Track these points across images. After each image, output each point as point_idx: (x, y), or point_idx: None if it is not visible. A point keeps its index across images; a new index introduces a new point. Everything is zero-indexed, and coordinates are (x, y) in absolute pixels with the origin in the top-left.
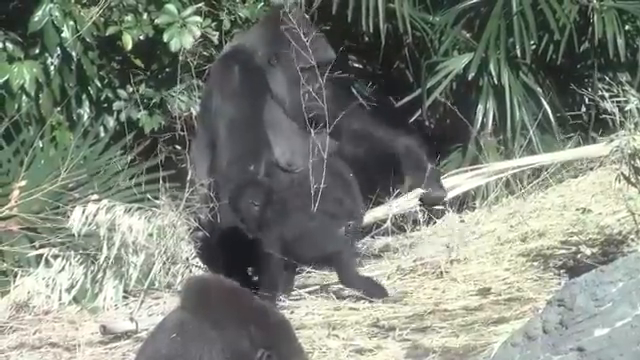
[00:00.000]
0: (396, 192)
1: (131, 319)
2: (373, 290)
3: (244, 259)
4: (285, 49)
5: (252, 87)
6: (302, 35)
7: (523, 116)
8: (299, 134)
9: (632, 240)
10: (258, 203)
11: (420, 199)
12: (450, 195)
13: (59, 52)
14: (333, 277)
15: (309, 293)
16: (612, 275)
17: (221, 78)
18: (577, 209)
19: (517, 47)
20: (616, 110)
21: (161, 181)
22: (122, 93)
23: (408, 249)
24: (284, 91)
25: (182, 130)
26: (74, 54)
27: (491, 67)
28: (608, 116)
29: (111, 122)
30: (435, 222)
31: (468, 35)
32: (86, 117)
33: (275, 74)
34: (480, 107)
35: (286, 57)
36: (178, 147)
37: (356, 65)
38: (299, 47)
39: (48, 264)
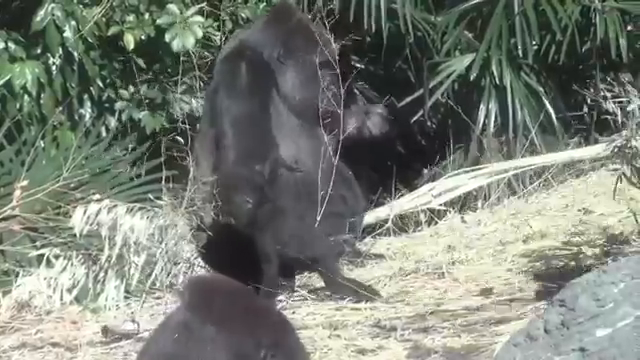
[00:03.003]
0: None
1: (132, 320)
2: (361, 294)
3: (245, 259)
4: (294, 46)
5: (259, 85)
6: (310, 32)
7: (525, 116)
8: (305, 132)
9: (634, 240)
10: (252, 200)
11: None
12: (452, 195)
13: (61, 52)
14: None
15: (310, 293)
16: (614, 275)
17: (228, 75)
18: (579, 210)
19: (519, 47)
20: (618, 111)
21: (163, 181)
22: (124, 93)
23: (410, 249)
24: (293, 88)
25: (184, 131)
26: (76, 54)
27: (493, 67)
28: (610, 117)
29: (113, 122)
30: (437, 223)
31: (470, 35)
32: (88, 117)
33: (284, 71)
34: (482, 107)
35: (295, 54)
36: (180, 147)
37: (358, 65)
38: (307, 44)
39: (50, 264)
